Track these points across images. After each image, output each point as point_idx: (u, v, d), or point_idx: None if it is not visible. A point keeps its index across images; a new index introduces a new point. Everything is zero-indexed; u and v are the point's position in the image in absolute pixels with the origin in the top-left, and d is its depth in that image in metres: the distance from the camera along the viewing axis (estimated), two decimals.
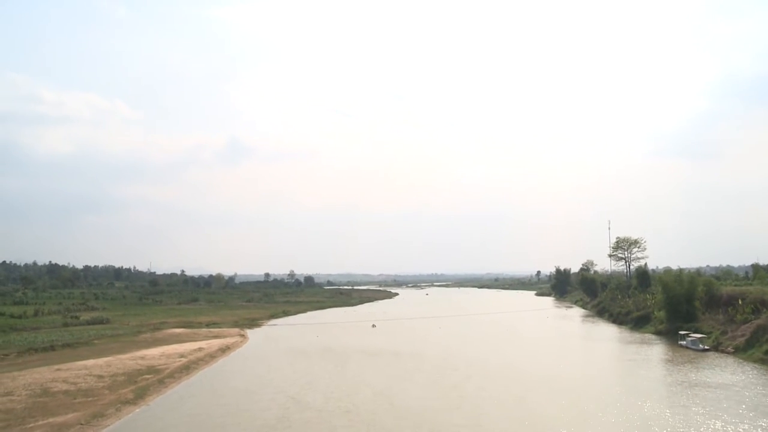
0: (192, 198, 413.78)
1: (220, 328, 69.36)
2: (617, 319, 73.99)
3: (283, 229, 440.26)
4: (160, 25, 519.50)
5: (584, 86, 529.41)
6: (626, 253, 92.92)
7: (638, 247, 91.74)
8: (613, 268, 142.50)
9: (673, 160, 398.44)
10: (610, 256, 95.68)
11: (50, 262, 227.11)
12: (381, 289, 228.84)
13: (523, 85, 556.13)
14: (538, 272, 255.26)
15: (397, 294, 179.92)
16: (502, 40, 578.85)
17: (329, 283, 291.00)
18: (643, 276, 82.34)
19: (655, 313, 64.40)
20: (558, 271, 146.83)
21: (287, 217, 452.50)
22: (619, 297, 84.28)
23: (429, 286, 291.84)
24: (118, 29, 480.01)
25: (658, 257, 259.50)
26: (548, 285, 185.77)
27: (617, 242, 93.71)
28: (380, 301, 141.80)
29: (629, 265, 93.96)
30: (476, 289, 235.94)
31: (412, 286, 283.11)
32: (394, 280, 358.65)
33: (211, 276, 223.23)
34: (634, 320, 68.26)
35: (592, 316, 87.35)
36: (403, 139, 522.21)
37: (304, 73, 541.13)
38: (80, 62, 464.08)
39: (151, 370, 38.90)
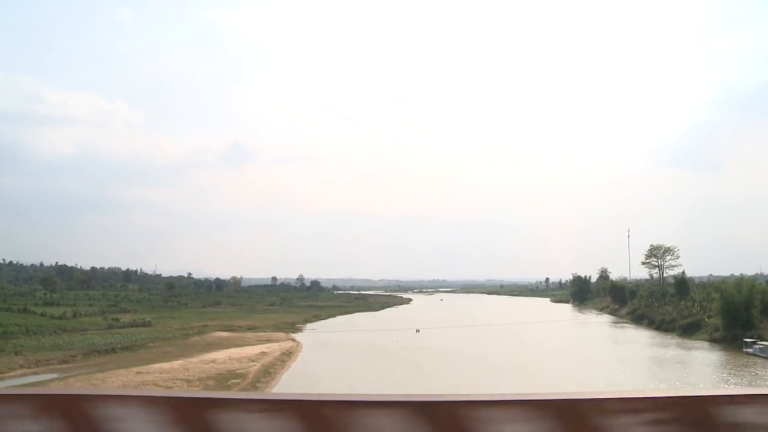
0: (194, 200, 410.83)
1: (263, 332, 68.43)
2: (660, 327, 73.46)
3: (286, 233, 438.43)
4: (165, 27, 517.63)
5: (587, 96, 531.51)
6: (660, 260, 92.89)
7: (672, 255, 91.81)
8: (634, 275, 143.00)
9: (674, 170, 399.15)
10: (643, 263, 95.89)
11: (57, 263, 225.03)
12: (391, 294, 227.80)
13: (526, 93, 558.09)
14: (547, 279, 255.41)
15: (410, 299, 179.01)
16: (506, 47, 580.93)
17: (335, 287, 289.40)
18: (682, 284, 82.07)
19: (707, 320, 64.10)
20: (578, 278, 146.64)
21: (290, 221, 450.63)
22: (656, 305, 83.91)
23: (434, 291, 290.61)
24: (122, 31, 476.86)
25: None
26: (562, 292, 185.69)
27: (651, 250, 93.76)
28: (399, 306, 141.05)
29: (663, 273, 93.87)
30: (485, 295, 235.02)
31: (418, 292, 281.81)
32: (399, 286, 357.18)
33: (218, 279, 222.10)
34: (682, 327, 67.81)
35: (628, 323, 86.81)
36: (405, 144, 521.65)
37: (307, 78, 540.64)
38: (84, 63, 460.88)
39: (233, 374, 38.13)
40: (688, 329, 66.66)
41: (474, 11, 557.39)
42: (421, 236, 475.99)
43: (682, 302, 76.96)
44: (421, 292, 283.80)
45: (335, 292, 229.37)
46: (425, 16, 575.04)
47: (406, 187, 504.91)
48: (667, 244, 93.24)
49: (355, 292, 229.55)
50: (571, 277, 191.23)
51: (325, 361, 45.88)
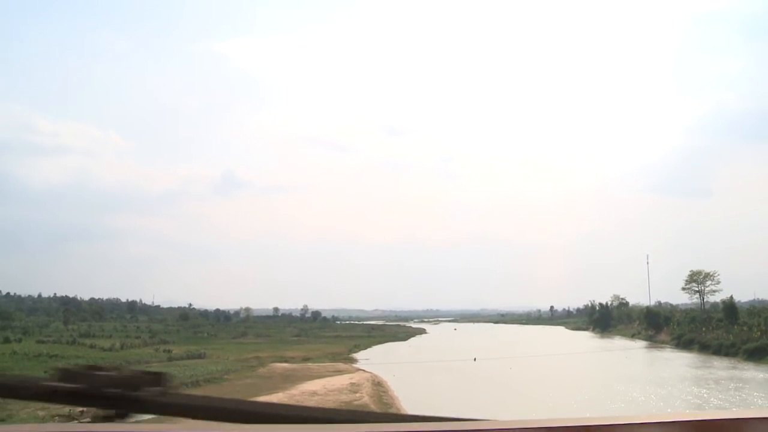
0: (186, 230, 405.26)
1: (319, 362, 66.26)
2: (718, 352, 72.77)
3: (279, 263, 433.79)
4: (160, 57, 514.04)
5: (576, 126, 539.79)
6: (700, 286, 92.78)
7: (712, 280, 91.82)
8: (653, 302, 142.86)
9: (664, 196, 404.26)
10: (683, 289, 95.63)
11: (54, 294, 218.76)
12: (397, 324, 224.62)
13: (516, 123, 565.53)
14: (551, 307, 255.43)
15: (424, 329, 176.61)
16: (497, 77, 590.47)
17: (334, 318, 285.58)
18: (731, 309, 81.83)
19: None
20: (599, 305, 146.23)
21: (283, 251, 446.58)
22: (704, 330, 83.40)
23: (435, 321, 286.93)
24: (116, 60, 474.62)
25: (657, 293, 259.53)
26: (574, 320, 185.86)
27: (691, 275, 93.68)
28: (421, 336, 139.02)
29: (703, 298, 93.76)
30: (492, 324, 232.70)
31: (419, 322, 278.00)
32: (396, 316, 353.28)
33: (218, 310, 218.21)
34: (747, 352, 67.20)
35: (672, 348, 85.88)
36: (395, 175, 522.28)
37: (299, 107, 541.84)
38: (77, 92, 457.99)
39: (355, 406, 36.31)
40: (754, 354, 66.00)
41: (462, 45, 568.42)
42: (411, 266, 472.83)
43: (736, 327, 76.57)
44: (422, 321, 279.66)
45: (338, 322, 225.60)
46: (417, 49, 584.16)
47: (396, 219, 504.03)
48: (707, 269, 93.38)
49: (358, 323, 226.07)
50: (582, 306, 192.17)
51: (425, 389, 44.07)
